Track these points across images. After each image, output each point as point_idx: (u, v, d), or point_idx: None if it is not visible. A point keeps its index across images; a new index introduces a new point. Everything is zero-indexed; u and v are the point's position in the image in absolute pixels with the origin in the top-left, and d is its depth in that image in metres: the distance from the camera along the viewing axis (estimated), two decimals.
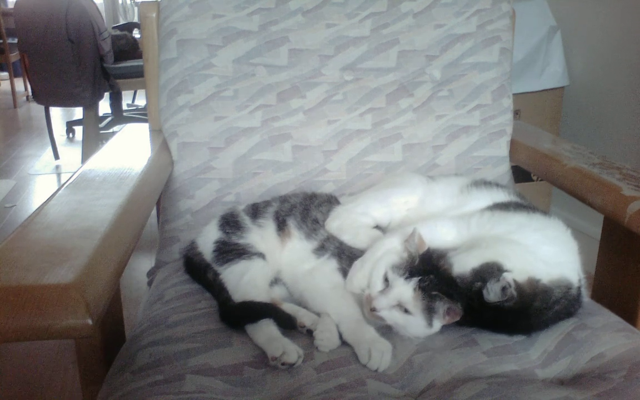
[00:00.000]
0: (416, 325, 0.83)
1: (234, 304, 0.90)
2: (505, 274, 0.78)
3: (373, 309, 0.83)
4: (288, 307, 0.92)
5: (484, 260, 0.82)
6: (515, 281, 0.79)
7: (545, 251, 0.86)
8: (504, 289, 0.78)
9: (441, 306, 0.82)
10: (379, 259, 0.87)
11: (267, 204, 1.09)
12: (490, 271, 0.80)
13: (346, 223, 1.02)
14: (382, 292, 0.83)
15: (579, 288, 0.88)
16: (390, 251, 0.88)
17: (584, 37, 2.12)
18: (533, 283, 0.81)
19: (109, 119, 3.71)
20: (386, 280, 0.84)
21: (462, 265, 0.83)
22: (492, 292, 0.79)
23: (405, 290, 0.82)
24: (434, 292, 0.81)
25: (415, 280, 0.82)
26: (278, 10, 1.23)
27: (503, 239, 0.87)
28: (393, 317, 0.83)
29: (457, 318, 0.82)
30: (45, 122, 3.72)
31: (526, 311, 0.82)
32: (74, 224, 0.72)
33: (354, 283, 0.89)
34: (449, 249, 0.87)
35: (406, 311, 0.82)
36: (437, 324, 0.84)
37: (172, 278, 1.05)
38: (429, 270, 0.83)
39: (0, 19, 5.01)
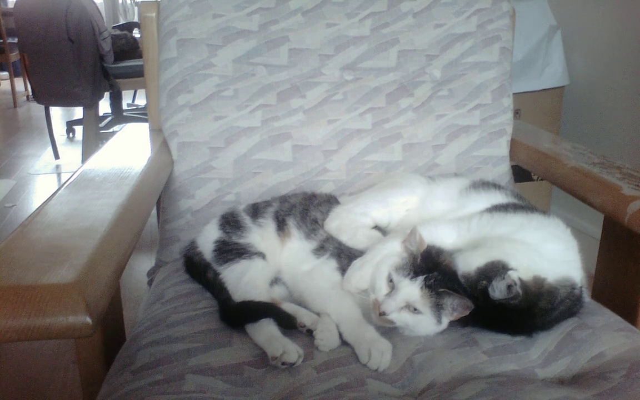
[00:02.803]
0: (426, 323, 0.83)
1: (234, 303, 0.90)
2: (510, 272, 0.78)
3: (382, 313, 0.82)
4: (288, 307, 0.92)
5: (489, 258, 0.82)
6: (520, 279, 0.79)
7: (550, 250, 0.86)
8: (509, 286, 0.78)
9: (449, 302, 0.82)
10: (380, 263, 0.87)
11: (267, 203, 1.09)
12: (495, 269, 0.80)
13: (345, 223, 1.01)
14: (389, 295, 0.83)
15: (581, 288, 0.88)
16: (390, 254, 0.88)
17: (584, 37, 2.12)
18: (538, 282, 0.81)
19: (109, 118, 3.70)
20: (390, 282, 0.84)
21: (467, 264, 0.83)
22: (497, 290, 0.79)
23: (412, 289, 0.82)
24: (441, 289, 0.81)
25: (420, 278, 0.82)
26: (278, 9, 1.22)
27: (507, 239, 0.87)
28: (403, 318, 0.83)
29: (467, 311, 0.82)
30: (45, 122, 3.72)
31: (531, 311, 0.82)
32: (74, 224, 0.72)
33: (352, 283, 0.89)
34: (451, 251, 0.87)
35: (415, 311, 0.82)
36: (445, 321, 0.84)
37: (172, 278, 1.05)
38: (431, 268, 0.83)
39: (0, 19, 5.01)
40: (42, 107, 3.68)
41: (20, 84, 5.75)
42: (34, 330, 0.54)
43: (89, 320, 0.55)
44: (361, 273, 0.89)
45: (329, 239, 1.01)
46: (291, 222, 1.04)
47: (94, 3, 3.16)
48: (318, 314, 0.90)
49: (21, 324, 0.54)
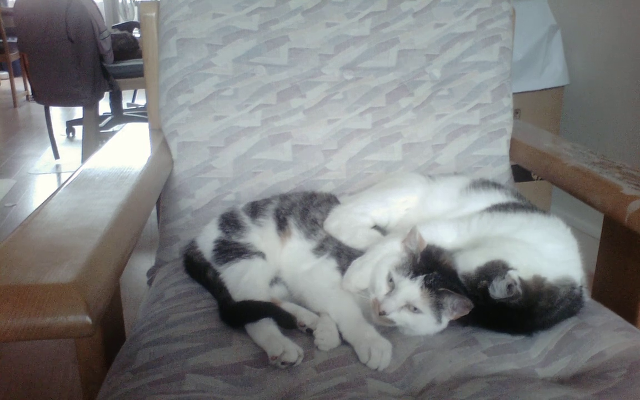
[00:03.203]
0: (426, 323, 0.83)
1: (233, 303, 0.90)
2: (510, 272, 0.79)
3: (382, 313, 0.83)
4: (288, 306, 0.92)
5: (489, 258, 0.82)
6: (520, 279, 0.79)
7: (550, 249, 0.86)
8: (509, 286, 0.78)
9: (449, 301, 0.82)
10: (379, 262, 0.87)
11: (266, 202, 1.09)
12: (495, 269, 0.80)
13: (344, 223, 1.01)
14: (389, 294, 0.83)
15: (581, 287, 0.88)
16: (390, 254, 0.88)
17: (584, 37, 2.12)
18: (538, 281, 0.82)
19: (109, 118, 3.70)
20: (390, 281, 0.84)
21: (467, 263, 0.83)
22: (497, 290, 0.79)
23: (412, 289, 0.82)
24: (441, 288, 0.81)
25: (420, 278, 0.82)
26: (278, 9, 1.22)
27: (507, 238, 0.87)
28: (403, 318, 0.83)
29: (467, 311, 0.82)
30: (45, 122, 3.72)
31: (531, 310, 0.82)
32: (74, 223, 0.72)
33: (351, 282, 0.89)
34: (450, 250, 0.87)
35: (415, 310, 0.82)
36: (445, 320, 0.84)
37: (172, 277, 1.05)
38: (431, 267, 0.83)
39: (0, 19, 5.01)
40: (42, 106, 3.68)
41: (20, 83, 5.75)
42: (34, 330, 0.54)
43: (88, 320, 0.55)
44: (361, 273, 0.89)
45: (329, 238, 1.01)
46: (291, 222, 1.04)
47: (94, 3, 3.16)
48: (318, 314, 0.90)
49: (21, 324, 0.54)
